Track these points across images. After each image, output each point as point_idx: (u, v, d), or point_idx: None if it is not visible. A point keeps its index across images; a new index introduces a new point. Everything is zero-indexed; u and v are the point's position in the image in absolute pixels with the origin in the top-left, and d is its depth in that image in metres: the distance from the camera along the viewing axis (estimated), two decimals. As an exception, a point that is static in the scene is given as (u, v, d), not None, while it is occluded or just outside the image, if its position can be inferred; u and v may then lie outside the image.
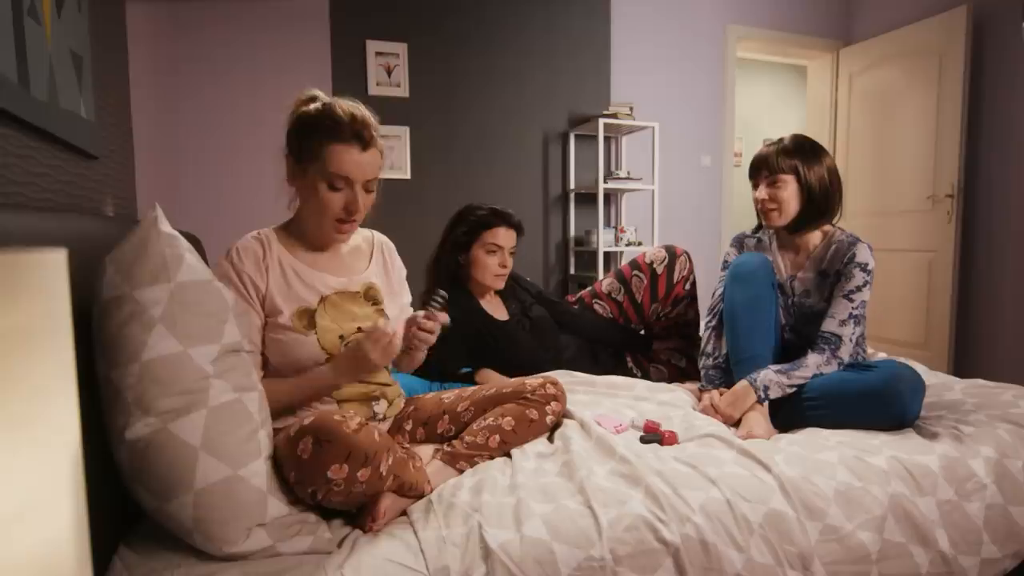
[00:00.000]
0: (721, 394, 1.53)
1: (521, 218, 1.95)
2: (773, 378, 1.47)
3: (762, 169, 1.61)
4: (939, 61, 3.48)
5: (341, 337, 1.21)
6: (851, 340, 1.50)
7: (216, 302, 0.97)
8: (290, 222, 1.27)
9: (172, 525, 0.88)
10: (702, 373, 1.70)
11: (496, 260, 1.86)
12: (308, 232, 1.25)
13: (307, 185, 1.18)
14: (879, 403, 1.35)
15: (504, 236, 1.87)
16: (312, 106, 1.18)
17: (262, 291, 1.17)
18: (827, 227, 1.63)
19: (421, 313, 1.24)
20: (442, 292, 1.28)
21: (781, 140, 1.62)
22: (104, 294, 0.89)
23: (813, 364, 1.48)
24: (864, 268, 1.50)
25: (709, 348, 1.71)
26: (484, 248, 1.86)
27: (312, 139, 1.15)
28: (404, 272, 1.44)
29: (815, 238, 1.63)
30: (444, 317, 1.25)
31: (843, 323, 1.50)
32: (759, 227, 1.75)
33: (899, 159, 3.75)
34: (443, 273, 1.89)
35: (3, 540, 0.30)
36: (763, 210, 1.62)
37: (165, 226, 0.96)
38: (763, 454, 1.18)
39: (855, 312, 1.50)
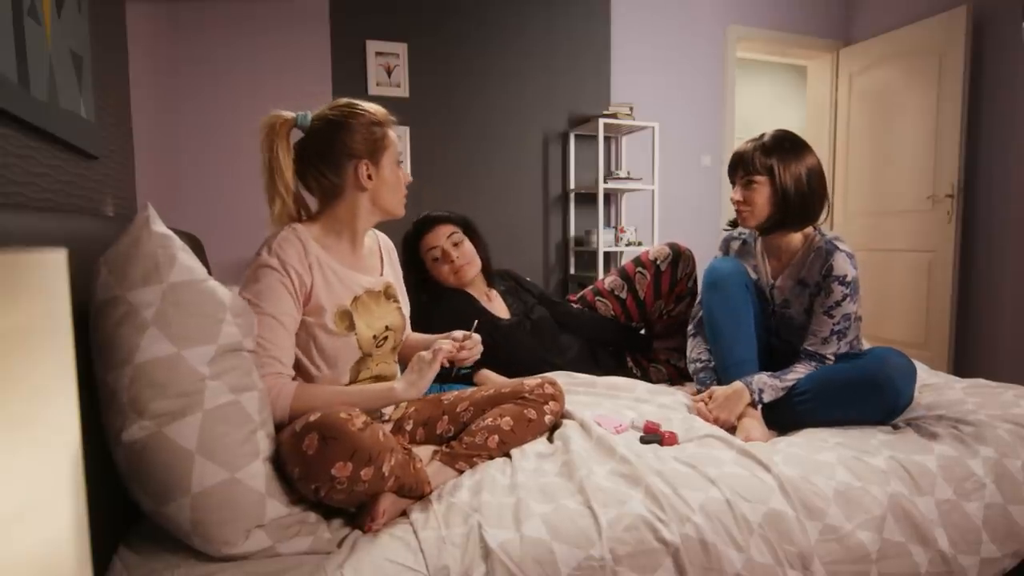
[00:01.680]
0: (709, 399, 1.50)
1: (521, 218, 1.95)
2: (768, 381, 1.46)
3: (738, 168, 1.55)
4: (939, 61, 3.48)
5: (374, 337, 1.24)
6: (835, 357, 1.48)
7: (212, 302, 0.95)
8: (325, 220, 1.24)
9: (171, 527, 0.88)
10: (694, 378, 1.69)
11: (442, 264, 1.86)
12: (359, 223, 1.26)
13: (379, 175, 1.23)
14: (871, 389, 1.34)
15: (433, 237, 1.86)
16: (343, 109, 1.22)
17: (307, 287, 1.16)
18: (808, 230, 1.57)
19: (460, 334, 1.28)
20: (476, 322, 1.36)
21: (762, 136, 1.54)
22: (98, 296, 0.88)
23: (804, 373, 1.47)
24: (843, 281, 1.44)
25: (693, 355, 1.70)
26: (428, 258, 1.87)
27: (377, 133, 1.23)
28: (402, 274, 1.48)
29: (796, 241, 1.57)
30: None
31: (826, 341, 1.47)
32: (734, 223, 1.70)
33: (899, 159, 3.75)
34: (432, 291, 1.89)
35: (3, 540, 0.30)
36: (737, 210, 1.57)
37: (158, 226, 0.94)
38: (762, 454, 1.18)
39: (837, 328, 1.46)
